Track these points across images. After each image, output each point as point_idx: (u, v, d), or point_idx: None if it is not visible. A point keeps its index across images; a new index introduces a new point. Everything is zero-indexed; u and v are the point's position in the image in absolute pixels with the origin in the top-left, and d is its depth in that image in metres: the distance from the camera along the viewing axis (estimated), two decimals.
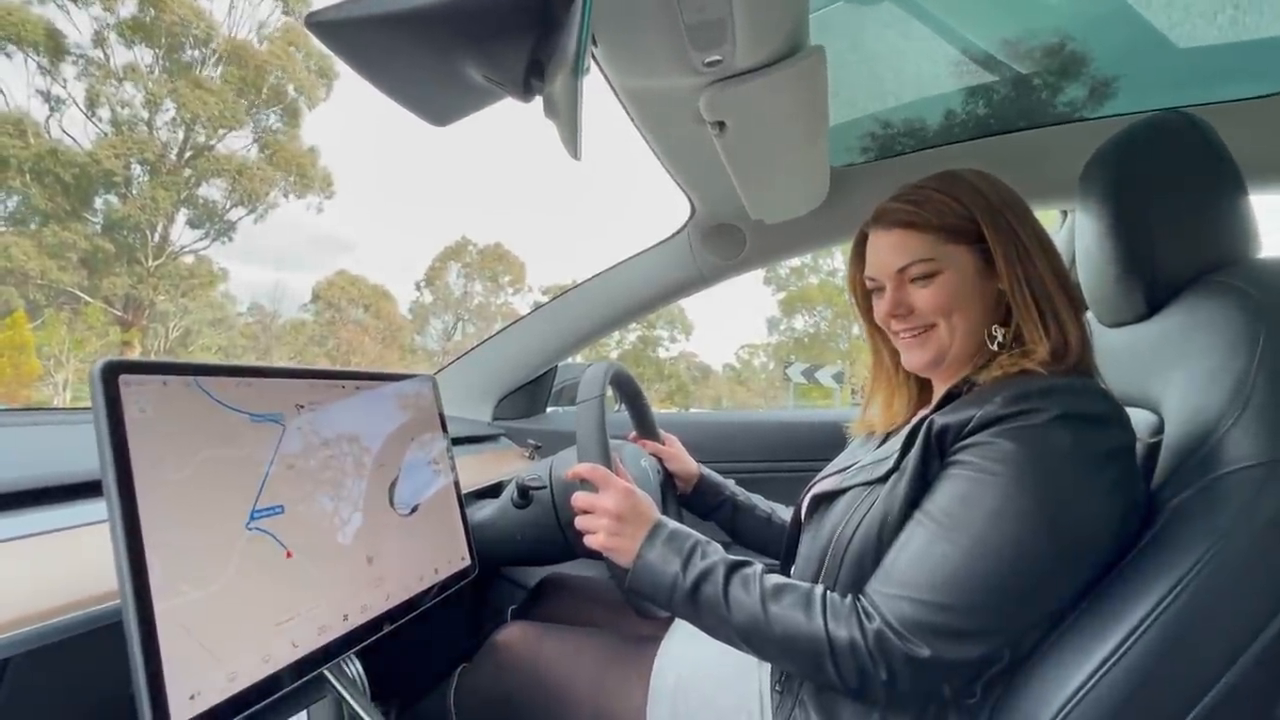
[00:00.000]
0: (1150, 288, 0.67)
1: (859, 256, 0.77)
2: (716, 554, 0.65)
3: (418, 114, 0.63)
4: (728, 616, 0.61)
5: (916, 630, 0.54)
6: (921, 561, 0.56)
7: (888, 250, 0.69)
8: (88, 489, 0.58)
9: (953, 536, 0.56)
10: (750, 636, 0.61)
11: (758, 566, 0.64)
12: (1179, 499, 0.56)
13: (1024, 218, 0.66)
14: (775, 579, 0.63)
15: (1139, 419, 0.66)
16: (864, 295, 0.78)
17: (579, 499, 0.72)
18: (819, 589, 0.61)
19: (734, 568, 0.63)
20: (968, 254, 0.66)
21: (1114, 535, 0.56)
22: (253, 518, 0.54)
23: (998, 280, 0.66)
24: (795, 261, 22.18)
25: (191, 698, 0.45)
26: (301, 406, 0.62)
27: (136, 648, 0.42)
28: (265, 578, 0.53)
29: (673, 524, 0.69)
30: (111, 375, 0.45)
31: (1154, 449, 0.64)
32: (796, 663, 0.60)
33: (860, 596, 0.59)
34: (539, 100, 0.60)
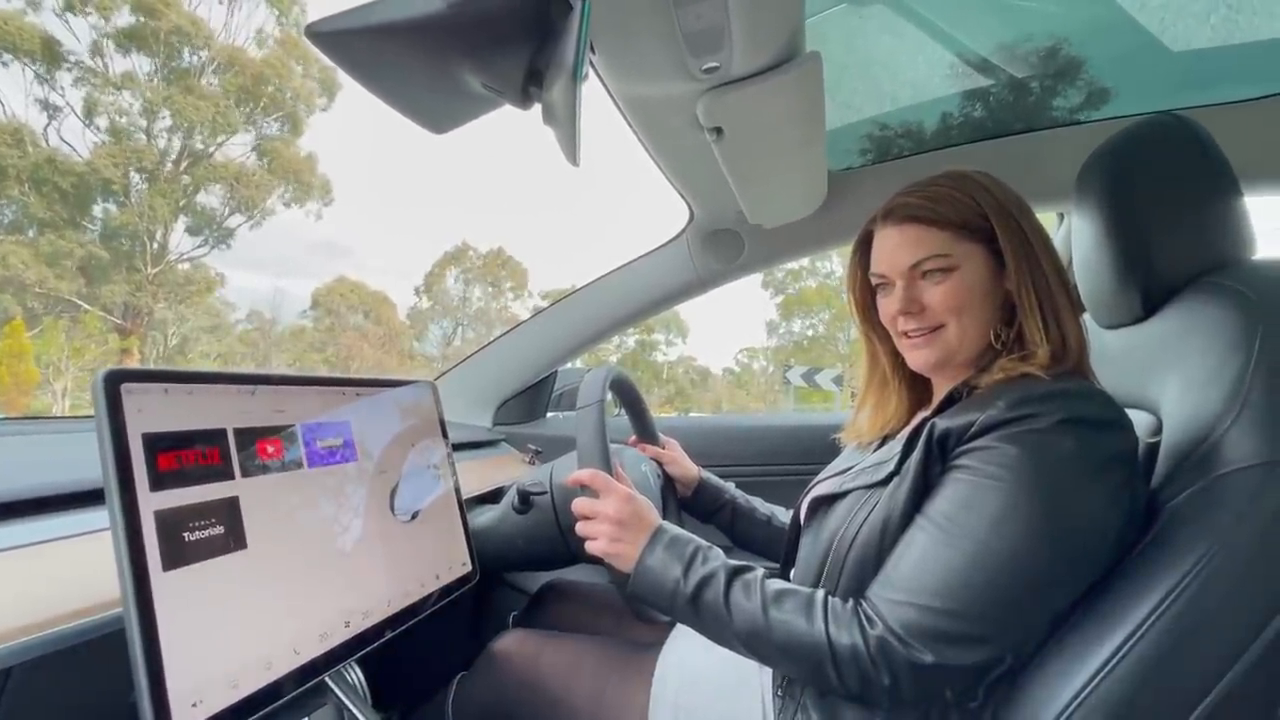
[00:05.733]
0: (1147, 290, 0.67)
1: (863, 254, 0.76)
2: (717, 559, 0.65)
3: (417, 122, 0.63)
4: (729, 622, 0.61)
5: (920, 636, 0.54)
6: (924, 567, 0.56)
7: (901, 245, 0.68)
8: (89, 497, 0.58)
9: (955, 542, 0.55)
10: (751, 642, 0.61)
11: (759, 571, 0.64)
12: (1178, 500, 0.56)
13: (1029, 218, 0.67)
14: (777, 584, 0.62)
15: (1137, 420, 0.66)
16: (863, 294, 0.78)
17: (579, 505, 0.72)
18: (820, 594, 0.61)
19: (735, 573, 0.63)
20: (980, 252, 0.66)
21: (1116, 538, 0.57)
22: None
23: (1006, 280, 0.66)
24: (793, 265, 22.20)
25: (194, 705, 0.45)
26: (303, 414, 0.62)
27: (139, 655, 0.42)
28: (267, 584, 0.53)
29: (673, 529, 0.69)
30: (114, 384, 0.46)
31: (1153, 450, 0.64)
32: (798, 668, 0.60)
33: (862, 601, 0.59)
34: (537, 107, 0.60)
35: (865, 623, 0.57)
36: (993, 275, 0.67)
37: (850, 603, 0.59)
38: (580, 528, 0.72)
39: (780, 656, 0.60)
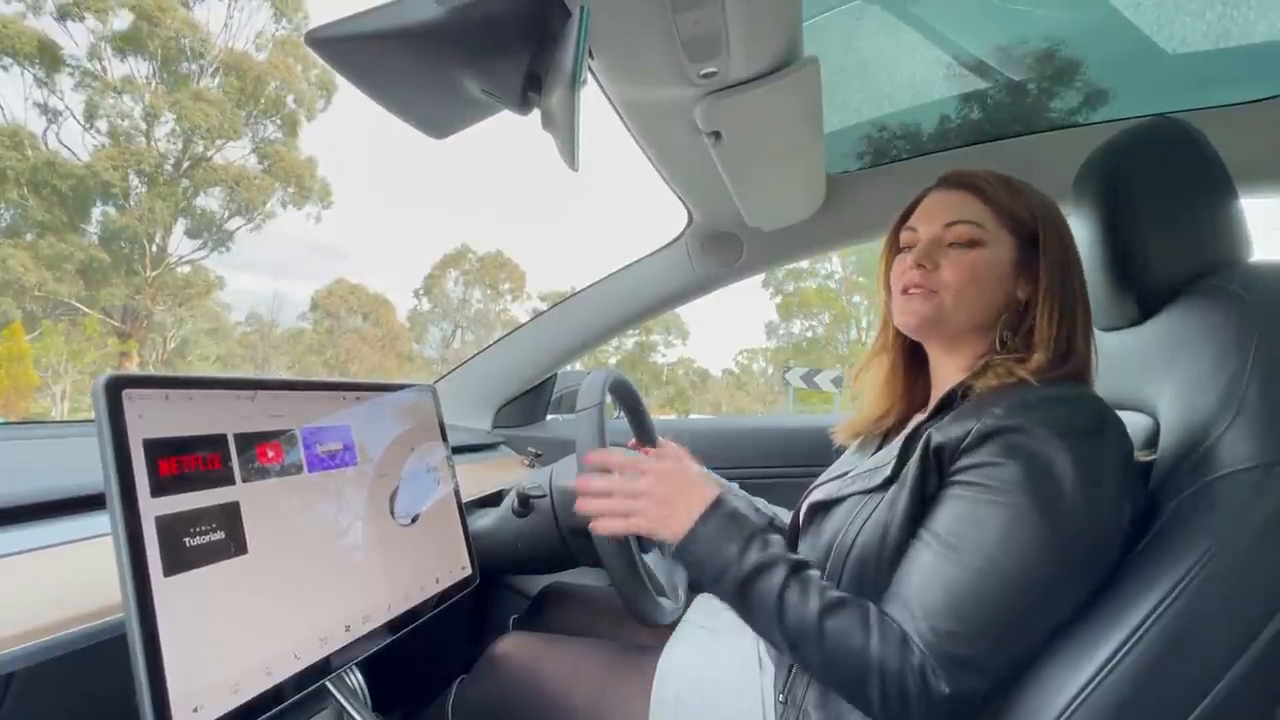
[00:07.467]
0: (1143, 292, 0.67)
1: (906, 215, 0.75)
2: (778, 546, 0.63)
3: (418, 128, 0.64)
4: (777, 617, 0.59)
5: (952, 663, 0.54)
6: (953, 595, 0.55)
7: (944, 204, 0.70)
8: (90, 502, 0.58)
9: (970, 562, 0.55)
10: (798, 642, 0.58)
11: (816, 572, 0.62)
12: (1176, 502, 0.56)
13: (1069, 234, 0.68)
14: (834, 591, 0.60)
15: (1134, 422, 0.66)
16: (893, 255, 0.76)
17: (594, 482, 0.69)
18: (874, 609, 0.58)
19: (796, 568, 0.61)
20: (1011, 245, 0.67)
21: (1117, 543, 0.57)
22: None
23: (1020, 287, 0.67)
24: (793, 265, 22.18)
25: (195, 710, 0.45)
26: (303, 418, 0.63)
27: (140, 660, 0.42)
28: (268, 589, 0.54)
29: (736, 503, 0.66)
30: (115, 390, 0.46)
31: (1150, 451, 0.64)
32: (837, 679, 0.58)
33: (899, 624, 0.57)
34: (537, 113, 0.61)
35: (910, 647, 0.55)
36: (1010, 273, 0.67)
37: (897, 625, 0.57)
38: (597, 505, 0.68)
39: (821, 664, 0.58)
